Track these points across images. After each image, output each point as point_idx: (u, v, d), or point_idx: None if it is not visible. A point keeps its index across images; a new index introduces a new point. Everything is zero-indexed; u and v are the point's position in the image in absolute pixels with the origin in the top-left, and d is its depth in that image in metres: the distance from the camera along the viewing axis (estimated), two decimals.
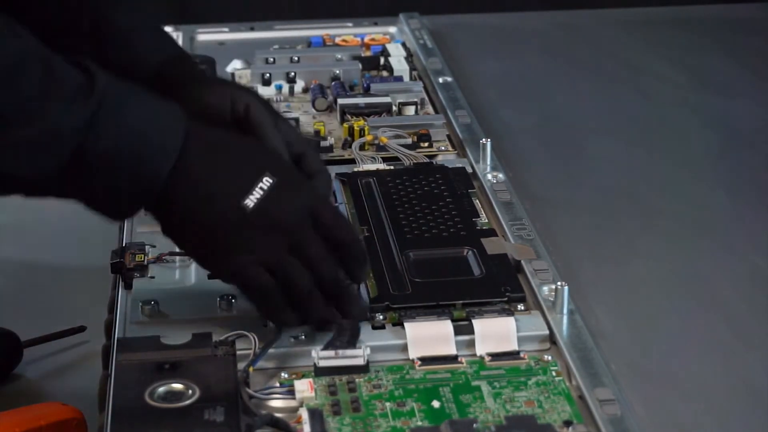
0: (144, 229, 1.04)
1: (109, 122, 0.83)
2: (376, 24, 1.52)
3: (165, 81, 0.96)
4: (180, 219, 0.87)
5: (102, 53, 0.98)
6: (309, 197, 0.89)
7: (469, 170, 1.14)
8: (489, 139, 1.16)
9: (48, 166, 0.82)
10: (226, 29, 1.52)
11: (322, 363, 0.87)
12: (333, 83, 1.32)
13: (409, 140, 1.19)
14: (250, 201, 0.86)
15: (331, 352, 0.87)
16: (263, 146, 0.92)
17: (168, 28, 1.49)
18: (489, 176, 1.13)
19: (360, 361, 0.87)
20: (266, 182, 0.86)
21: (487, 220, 1.06)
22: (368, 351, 0.88)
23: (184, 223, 0.87)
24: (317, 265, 0.88)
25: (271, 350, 0.89)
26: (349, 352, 0.87)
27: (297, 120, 1.22)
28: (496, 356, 0.90)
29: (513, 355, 0.90)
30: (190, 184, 0.86)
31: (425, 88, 1.32)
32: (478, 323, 0.91)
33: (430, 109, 1.28)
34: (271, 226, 0.87)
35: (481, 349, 0.90)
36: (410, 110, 1.26)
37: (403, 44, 1.43)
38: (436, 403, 0.85)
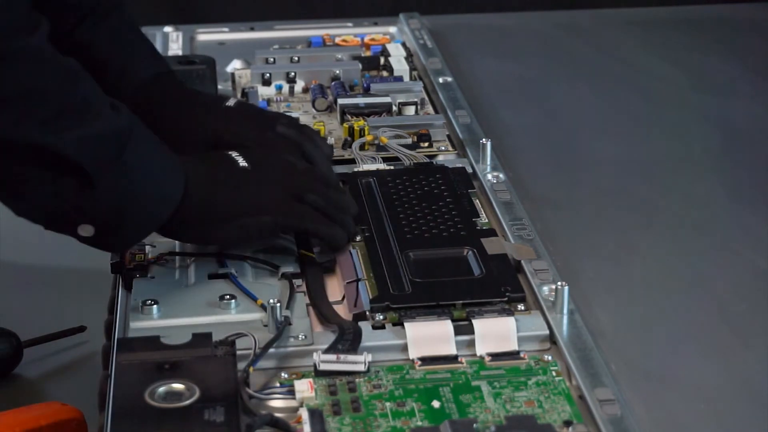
0: None
1: (141, 136, 0.92)
2: (376, 24, 1.52)
3: (147, 98, 1.07)
4: (201, 214, 0.95)
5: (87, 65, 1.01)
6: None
7: (469, 170, 1.14)
8: (489, 139, 1.16)
9: (100, 160, 0.88)
10: (226, 29, 1.52)
11: (323, 366, 0.87)
12: (333, 83, 1.31)
13: (409, 140, 1.19)
14: (244, 163, 0.99)
15: (333, 356, 0.87)
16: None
17: (168, 28, 1.49)
18: (489, 176, 1.13)
19: (361, 368, 0.87)
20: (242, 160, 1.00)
21: (487, 220, 1.06)
22: (369, 357, 0.88)
23: (206, 219, 0.96)
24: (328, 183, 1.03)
25: (271, 350, 0.89)
26: (351, 357, 0.87)
27: (297, 120, 1.22)
28: (496, 356, 0.90)
29: (513, 355, 0.90)
30: (199, 190, 0.95)
31: (425, 88, 1.32)
32: (478, 323, 0.91)
33: (430, 109, 1.28)
34: (273, 167, 1.01)
35: (481, 349, 0.90)
36: (410, 110, 1.26)
37: (403, 44, 1.43)
38: (436, 403, 0.85)
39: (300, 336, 0.90)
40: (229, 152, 1.01)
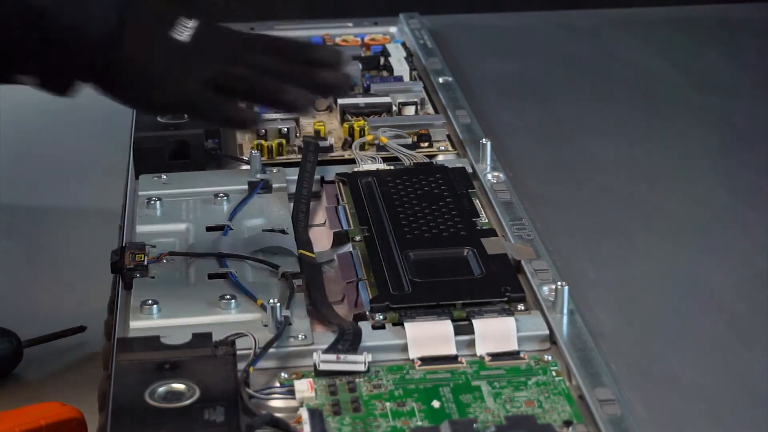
0: (144, 229, 1.04)
1: None
2: (376, 24, 1.52)
3: None
4: (131, 76, 0.90)
5: None
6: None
7: (469, 170, 1.14)
8: (489, 139, 1.16)
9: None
10: None
11: (323, 366, 0.87)
12: None
13: (409, 140, 1.19)
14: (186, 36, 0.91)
15: (333, 356, 0.87)
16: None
17: None
18: (489, 176, 1.13)
19: (361, 368, 0.87)
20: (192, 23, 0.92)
21: (487, 220, 1.06)
22: (369, 357, 0.88)
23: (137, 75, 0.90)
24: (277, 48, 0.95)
25: (271, 350, 0.89)
26: (351, 357, 0.87)
27: (297, 120, 1.22)
28: (496, 356, 0.90)
29: (513, 355, 0.90)
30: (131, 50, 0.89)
31: (425, 88, 1.32)
32: (478, 323, 0.91)
33: (430, 109, 1.28)
34: (216, 40, 0.93)
35: (481, 349, 0.90)
36: (410, 110, 1.26)
37: (403, 44, 1.43)
38: (436, 403, 0.85)
39: (300, 336, 0.90)
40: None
